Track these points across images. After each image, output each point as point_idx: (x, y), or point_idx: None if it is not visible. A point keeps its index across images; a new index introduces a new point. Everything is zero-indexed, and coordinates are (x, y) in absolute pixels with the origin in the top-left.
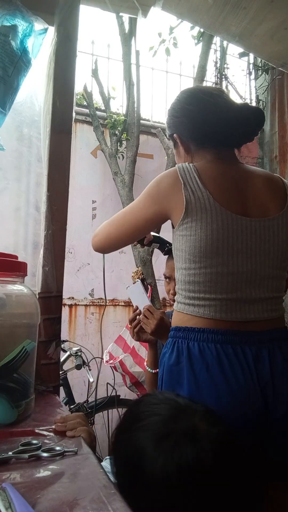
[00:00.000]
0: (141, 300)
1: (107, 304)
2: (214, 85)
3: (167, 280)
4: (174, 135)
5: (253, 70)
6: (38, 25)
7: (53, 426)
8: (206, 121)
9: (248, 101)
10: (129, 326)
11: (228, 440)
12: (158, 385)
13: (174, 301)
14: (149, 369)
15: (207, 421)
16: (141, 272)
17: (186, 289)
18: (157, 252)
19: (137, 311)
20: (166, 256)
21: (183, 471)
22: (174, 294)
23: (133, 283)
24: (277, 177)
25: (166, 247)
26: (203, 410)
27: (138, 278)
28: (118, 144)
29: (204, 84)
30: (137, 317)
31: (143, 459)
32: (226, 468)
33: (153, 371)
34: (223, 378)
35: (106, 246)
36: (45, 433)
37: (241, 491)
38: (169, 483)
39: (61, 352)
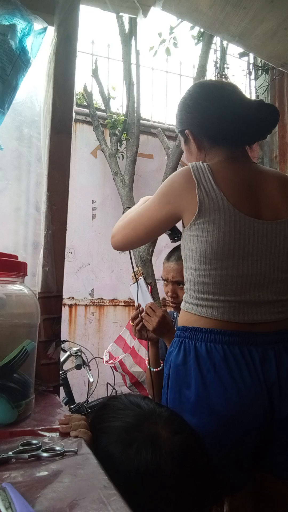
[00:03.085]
0: (144, 298)
1: (105, 304)
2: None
3: (165, 282)
4: (186, 131)
5: (253, 70)
6: (38, 25)
7: (53, 426)
8: (221, 118)
9: None
10: (131, 323)
11: (188, 447)
12: (163, 383)
13: (173, 302)
14: (150, 368)
15: (169, 428)
16: (141, 272)
17: (195, 290)
18: (157, 252)
19: (140, 308)
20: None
21: (142, 477)
22: (172, 296)
23: (133, 283)
24: None
25: (176, 236)
26: (166, 416)
27: (139, 277)
28: (118, 144)
29: None
30: (140, 315)
31: (110, 463)
32: (183, 475)
33: (155, 369)
34: (231, 378)
35: (124, 246)
36: (45, 433)
37: (193, 500)
38: (128, 487)
39: (61, 352)
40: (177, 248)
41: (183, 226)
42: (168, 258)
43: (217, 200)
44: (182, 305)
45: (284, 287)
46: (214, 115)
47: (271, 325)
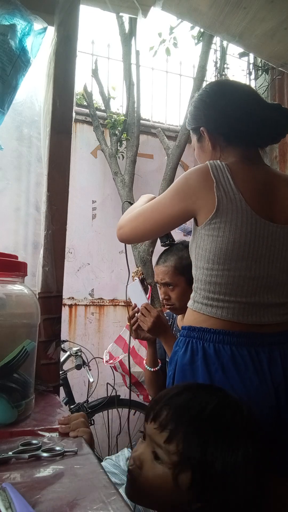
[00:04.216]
0: (140, 299)
1: (105, 304)
2: None
3: (158, 285)
4: (202, 128)
5: (253, 70)
6: (37, 25)
7: (53, 426)
8: (238, 117)
9: None
10: (128, 323)
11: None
12: (167, 383)
13: (167, 304)
14: (148, 368)
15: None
16: (141, 272)
17: (205, 289)
18: (157, 252)
19: (136, 309)
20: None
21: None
22: (165, 298)
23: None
24: None
25: (168, 241)
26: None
27: (138, 277)
28: (118, 144)
29: (204, 84)
30: (136, 315)
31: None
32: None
33: (152, 369)
34: (239, 379)
35: (131, 238)
36: (45, 433)
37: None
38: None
39: (61, 352)
40: (166, 251)
41: (196, 225)
42: (157, 261)
43: (236, 201)
44: (190, 304)
45: None
46: (231, 114)
47: (277, 327)
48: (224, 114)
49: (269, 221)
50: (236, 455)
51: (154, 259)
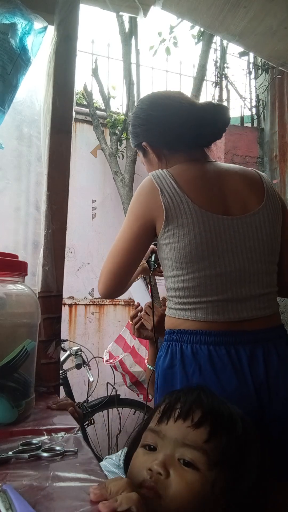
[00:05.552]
0: (143, 297)
1: (106, 304)
2: (212, 84)
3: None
4: (143, 143)
5: (253, 69)
6: (38, 24)
7: (54, 426)
8: (175, 123)
9: (248, 100)
10: (131, 322)
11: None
12: (155, 387)
13: None
14: (149, 367)
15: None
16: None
17: (177, 296)
18: None
19: (139, 307)
20: None
21: None
22: None
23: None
24: (253, 171)
25: (154, 267)
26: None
27: (138, 277)
28: (118, 143)
29: (204, 83)
30: (139, 313)
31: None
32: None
33: (154, 368)
34: (216, 380)
35: (113, 285)
36: (45, 433)
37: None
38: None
39: (61, 351)
40: None
41: (156, 237)
42: None
43: (182, 204)
44: (166, 312)
45: (267, 279)
46: (166, 122)
47: (258, 322)
48: (160, 124)
49: (223, 215)
50: (256, 457)
51: None
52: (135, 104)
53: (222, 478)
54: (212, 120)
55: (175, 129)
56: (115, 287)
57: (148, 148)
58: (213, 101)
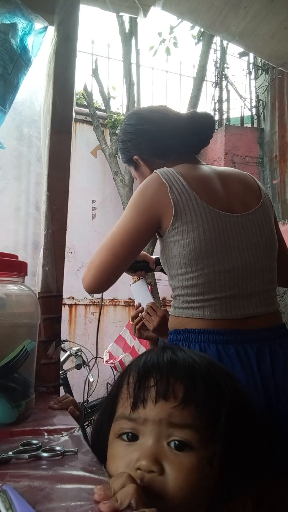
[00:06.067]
0: (144, 298)
1: (104, 303)
2: (212, 85)
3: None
4: (134, 157)
5: (253, 69)
6: (38, 24)
7: (54, 426)
8: (164, 134)
9: (248, 100)
10: (131, 323)
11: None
12: None
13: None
14: None
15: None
16: None
17: (184, 294)
18: (157, 253)
19: (140, 308)
20: None
21: None
22: None
23: (133, 282)
24: (246, 174)
25: (152, 270)
26: None
27: (139, 277)
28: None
29: (204, 84)
30: (140, 314)
31: None
32: None
33: None
34: None
35: (100, 280)
36: (45, 433)
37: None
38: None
39: (61, 351)
40: None
41: (161, 237)
42: None
43: (191, 200)
44: (171, 311)
45: (269, 276)
46: (154, 135)
47: (263, 320)
48: (150, 137)
49: (228, 212)
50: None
51: None
52: (134, 105)
53: (219, 450)
54: (200, 128)
55: (162, 140)
56: (107, 280)
57: (140, 161)
58: (196, 110)
